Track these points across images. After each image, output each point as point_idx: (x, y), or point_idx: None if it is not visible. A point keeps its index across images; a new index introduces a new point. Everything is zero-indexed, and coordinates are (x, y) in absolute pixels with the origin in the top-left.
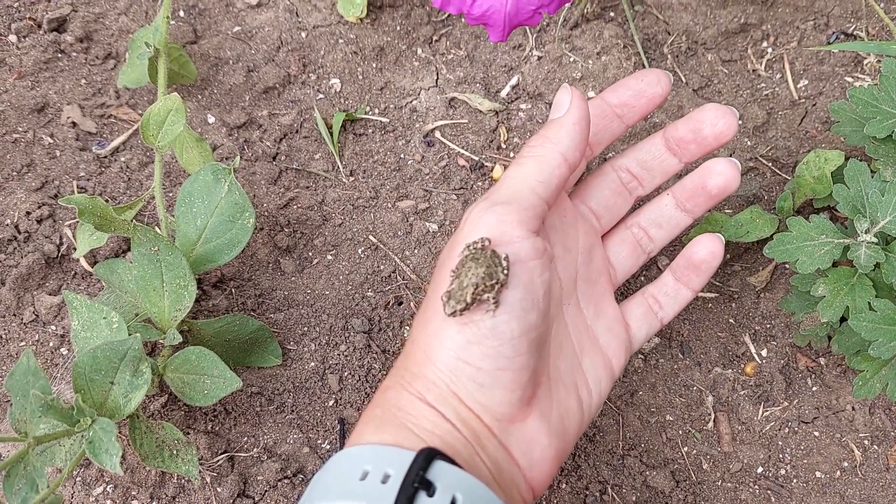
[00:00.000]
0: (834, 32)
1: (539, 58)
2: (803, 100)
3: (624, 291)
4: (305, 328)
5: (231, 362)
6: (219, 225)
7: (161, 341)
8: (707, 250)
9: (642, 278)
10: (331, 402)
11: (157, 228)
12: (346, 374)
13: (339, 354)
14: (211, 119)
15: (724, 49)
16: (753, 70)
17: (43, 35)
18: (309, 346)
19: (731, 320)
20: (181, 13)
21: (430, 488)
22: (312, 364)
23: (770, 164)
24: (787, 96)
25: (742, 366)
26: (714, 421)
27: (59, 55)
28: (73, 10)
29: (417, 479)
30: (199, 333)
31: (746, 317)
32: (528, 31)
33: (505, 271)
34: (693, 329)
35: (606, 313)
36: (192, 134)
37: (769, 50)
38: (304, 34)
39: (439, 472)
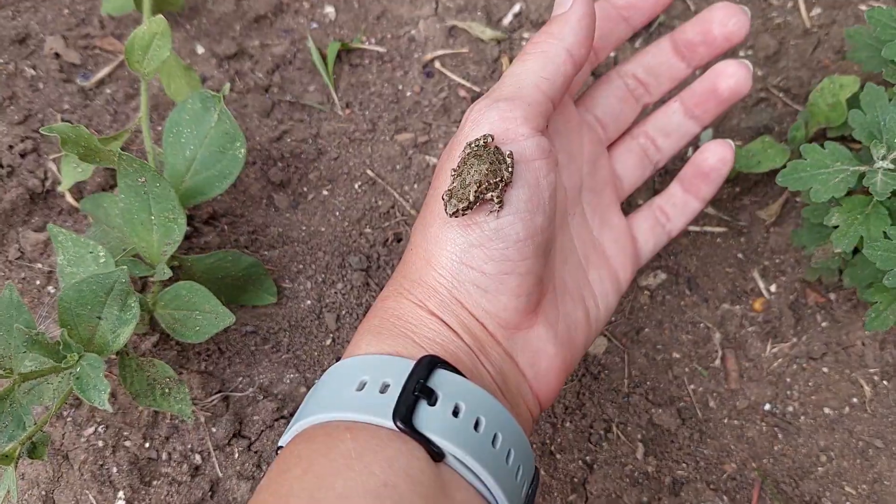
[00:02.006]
0: None
1: None
2: (816, 28)
3: (631, 204)
4: (301, 266)
5: (224, 300)
6: (209, 156)
7: (151, 278)
8: (717, 157)
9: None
10: (328, 342)
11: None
12: (343, 312)
13: (336, 293)
14: (200, 50)
15: None
16: None
17: None
18: (305, 284)
19: (739, 255)
20: None
21: (431, 396)
22: (308, 302)
23: (781, 95)
24: (800, 25)
25: (750, 302)
26: (721, 358)
27: None
28: None
29: (418, 388)
30: (189, 270)
31: (755, 252)
32: None
33: (510, 169)
34: (701, 265)
35: (612, 225)
36: (179, 62)
37: None
38: None
39: (441, 380)
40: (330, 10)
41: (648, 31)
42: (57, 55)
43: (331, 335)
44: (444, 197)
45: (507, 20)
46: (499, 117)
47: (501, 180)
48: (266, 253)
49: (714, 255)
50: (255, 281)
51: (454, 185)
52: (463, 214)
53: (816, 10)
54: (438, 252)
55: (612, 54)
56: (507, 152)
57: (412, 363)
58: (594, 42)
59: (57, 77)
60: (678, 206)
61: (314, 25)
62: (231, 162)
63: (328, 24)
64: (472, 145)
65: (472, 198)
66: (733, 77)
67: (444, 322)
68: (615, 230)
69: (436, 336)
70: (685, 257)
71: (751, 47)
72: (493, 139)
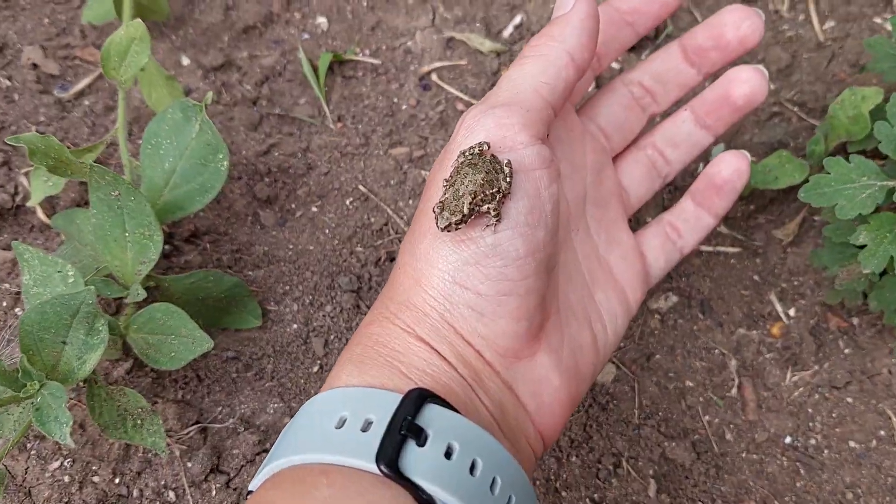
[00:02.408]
0: None
1: None
2: (829, 42)
3: (639, 221)
4: (287, 287)
5: (204, 323)
6: (189, 168)
7: (125, 299)
8: (731, 168)
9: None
10: (315, 368)
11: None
12: (331, 337)
13: (324, 316)
14: (185, 61)
15: None
16: (775, 11)
17: None
18: (291, 306)
19: (755, 277)
20: None
21: (420, 435)
22: (295, 326)
23: (796, 109)
24: (812, 38)
25: (768, 326)
26: (738, 387)
27: None
28: None
29: (405, 425)
30: (167, 291)
31: (772, 273)
32: None
33: (507, 178)
34: (714, 287)
35: (620, 241)
36: (161, 71)
37: None
38: None
39: (432, 416)
40: (322, 20)
41: (655, 44)
42: (34, 65)
43: (318, 361)
44: (435, 210)
45: (507, 32)
46: (495, 124)
47: (499, 191)
48: (250, 273)
49: (728, 277)
50: (237, 303)
51: (446, 196)
52: (456, 228)
53: (829, 24)
54: (429, 271)
55: (616, 65)
56: (505, 161)
57: (399, 397)
58: (597, 48)
59: (33, 88)
60: (690, 221)
61: (306, 36)
62: (213, 175)
63: (320, 34)
64: (467, 154)
65: (466, 210)
66: (748, 83)
67: (435, 350)
68: (623, 247)
69: (426, 366)
70: (698, 279)
71: (762, 60)
72: (489, 147)
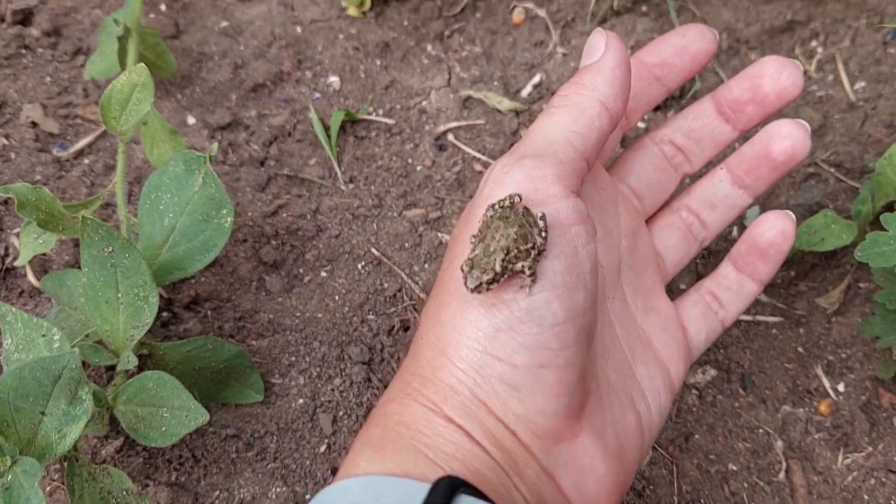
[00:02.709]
0: (889, 31)
1: (564, 55)
2: (861, 102)
3: (672, 289)
4: (293, 358)
5: (201, 397)
6: (190, 225)
7: (115, 368)
8: (776, 229)
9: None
10: (322, 448)
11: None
12: (340, 413)
13: (332, 390)
14: (191, 120)
15: (769, 48)
16: (804, 71)
17: (6, 28)
18: (297, 379)
19: (799, 349)
20: (162, 7)
21: None
22: (301, 401)
23: (832, 170)
24: (844, 99)
25: (815, 403)
26: (786, 471)
27: (23, 50)
28: (40, 2)
29: None
30: (161, 359)
31: (817, 345)
32: (550, 26)
33: (543, 233)
34: (756, 359)
35: (658, 310)
36: (164, 125)
37: (819, 49)
38: (299, 29)
39: None
40: (334, 79)
41: (680, 104)
42: (34, 124)
43: (326, 440)
44: (464, 268)
45: (525, 91)
46: (526, 176)
47: (534, 247)
48: (254, 343)
49: (770, 349)
50: (238, 374)
51: (475, 253)
52: (487, 289)
53: (860, 84)
54: (456, 339)
55: (641, 125)
56: (539, 214)
57: (426, 486)
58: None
59: (31, 147)
60: (732, 289)
61: (317, 95)
62: (216, 232)
63: (332, 93)
64: (496, 207)
65: (498, 268)
66: (789, 138)
67: (465, 431)
68: (662, 317)
69: (455, 450)
70: (737, 351)
71: None
72: (520, 199)
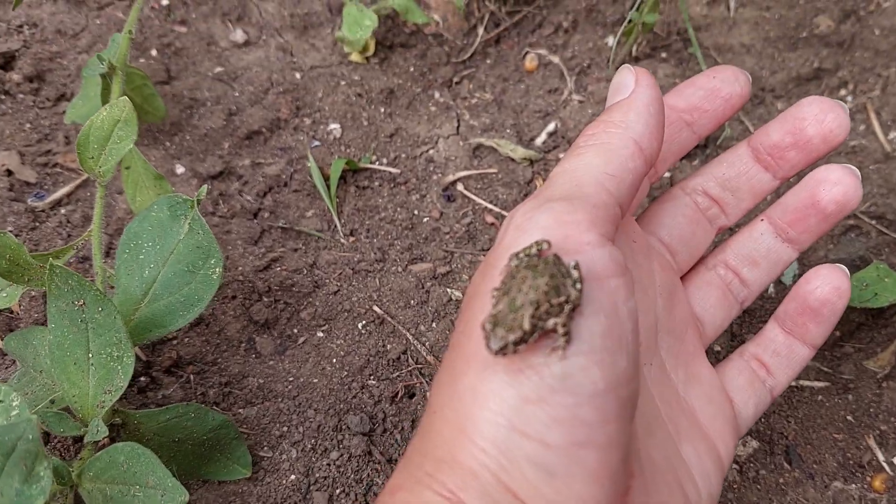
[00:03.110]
0: None
1: (580, 101)
2: None
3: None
4: (285, 428)
5: (181, 473)
6: (174, 276)
7: (84, 439)
8: (829, 286)
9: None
10: None
11: None
12: (337, 491)
13: (328, 465)
14: (180, 169)
15: (795, 97)
16: None
17: None
18: (289, 452)
19: (848, 417)
20: (153, 52)
21: None
22: (293, 477)
23: (874, 223)
24: (878, 149)
25: (868, 478)
26: None
27: (2, 96)
28: (24, 46)
29: None
30: (137, 429)
31: (867, 413)
32: (565, 72)
33: (577, 285)
34: (801, 429)
35: (701, 379)
36: (149, 169)
37: (849, 98)
38: (298, 75)
39: None
40: (335, 126)
41: (705, 153)
42: (9, 172)
43: None
44: (486, 326)
45: (540, 140)
46: (555, 220)
47: (567, 301)
48: (241, 411)
49: (816, 418)
50: (223, 447)
51: (499, 309)
52: (514, 351)
53: (894, 133)
54: (476, 413)
55: (667, 174)
56: (572, 264)
57: None
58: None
59: (5, 196)
60: (781, 354)
61: (316, 143)
62: (202, 284)
63: (332, 142)
64: (521, 256)
65: (527, 325)
66: (839, 185)
67: None
68: (706, 386)
69: None
70: (779, 419)
71: None
72: (549, 246)
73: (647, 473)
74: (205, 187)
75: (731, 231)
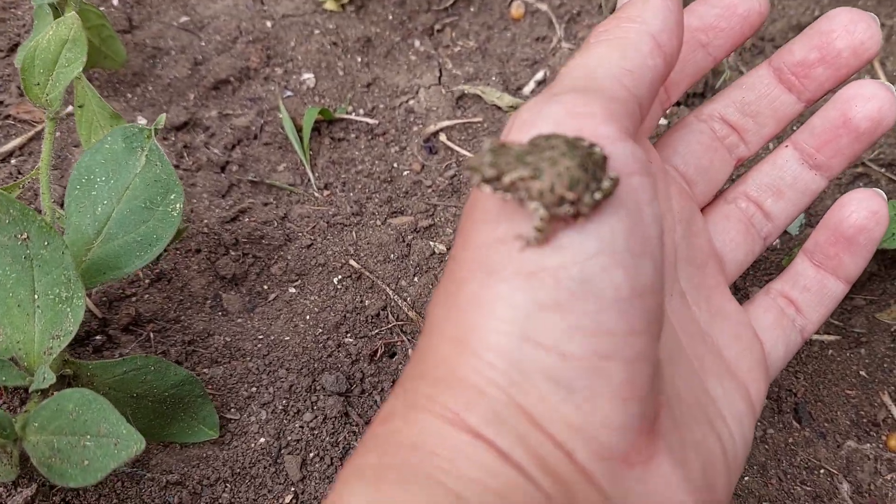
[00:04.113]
0: None
1: (571, 49)
2: None
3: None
4: (254, 388)
5: (141, 434)
6: (130, 213)
7: (30, 388)
8: (867, 210)
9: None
10: (288, 498)
11: None
12: (311, 454)
13: (301, 427)
14: (142, 121)
15: None
16: None
17: None
18: (258, 413)
19: (861, 373)
20: (115, 1)
21: None
22: (262, 440)
23: (883, 170)
24: None
25: (883, 437)
26: None
27: None
28: None
29: None
30: (90, 382)
31: (881, 368)
32: (554, 20)
33: (611, 178)
34: (811, 386)
35: (726, 314)
36: (104, 106)
37: None
38: (269, 23)
39: None
40: (308, 76)
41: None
42: None
43: (292, 488)
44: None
45: (528, 88)
46: (567, 112)
47: (599, 189)
48: (206, 371)
49: (828, 374)
50: (187, 406)
51: (524, 177)
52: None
53: None
54: (483, 323)
55: (663, 121)
56: (599, 150)
57: None
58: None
59: None
60: (812, 290)
61: (288, 94)
62: (161, 222)
63: (305, 92)
64: (538, 140)
65: (570, 197)
66: (874, 100)
67: (500, 450)
68: (732, 322)
69: (486, 476)
70: (788, 376)
71: None
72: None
73: (675, 406)
74: (163, 116)
75: (752, 162)
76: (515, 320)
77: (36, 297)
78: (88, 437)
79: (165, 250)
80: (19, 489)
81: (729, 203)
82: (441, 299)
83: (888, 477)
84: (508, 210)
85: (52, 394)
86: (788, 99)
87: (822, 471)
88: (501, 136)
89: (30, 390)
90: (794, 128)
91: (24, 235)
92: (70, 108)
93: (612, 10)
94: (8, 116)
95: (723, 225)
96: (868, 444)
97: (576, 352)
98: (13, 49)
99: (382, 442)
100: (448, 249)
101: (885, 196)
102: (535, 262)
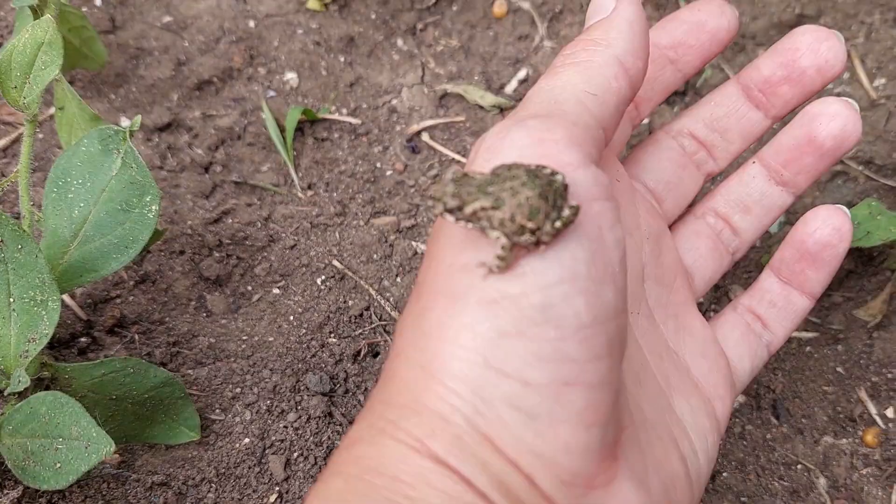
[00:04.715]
0: None
1: (553, 48)
2: (883, 100)
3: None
4: (238, 389)
5: (120, 435)
6: (106, 216)
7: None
8: (829, 226)
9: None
10: (272, 498)
11: None
12: (295, 454)
13: (286, 427)
14: (125, 122)
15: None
16: None
17: None
18: (242, 414)
19: (838, 369)
20: (97, 1)
21: None
22: (247, 440)
23: (861, 168)
24: (864, 96)
25: (860, 433)
26: None
27: None
28: None
29: None
30: (68, 384)
31: (858, 364)
32: (536, 19)
33: (572, 207)
34: (789, 382)
35: (693, 331)
36: (84, 108)
37: None
38: (252, 23)
39: None
40: (291, 76)
41: (684, 101)
42: None
43: (277, 488)
44: (435, 194)
45: (510, 87)
46: (531, 139)
47: (559, 218)
48: (190, 372)
49: (805, 370)
50: (168, 408)
51: (483, 206)
52: (466, 219)
53: (880, 80)
54: (446, 350)
55: (646, 121)
56: (559, 177)
57: None
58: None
59: None
60: (777, 305)
61: (271, 94)
62: (137, 224)
63: (289, 92)
64: (499, 169)
65: (531, 226)
66: (838, 118)
67: (463, 476)
68: (699, 339)
69: (450, 502)
70: (766, 372)
71: None
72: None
73: (639, 427)
74: (139, 117)
75: (720, 178)
76: (478, 348)
77: (11, 300)
78: (61, 439)
79: (148, 252)
80: (6, 491)
81: (698, 219)
82: (408, 323)
83: (864, 472)
84: (472, 237)
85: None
86: (756, 116)
87: (799, 466)
88: (466, 163)
89: (5, 393)
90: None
91: None
92: (52, 110)
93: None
94: None
95: (692, 241)
96: (845, 440)
97: (538, 379)
98: None
99: (348, 466)
100: None
101: (848, 212)
102: (498, 290)
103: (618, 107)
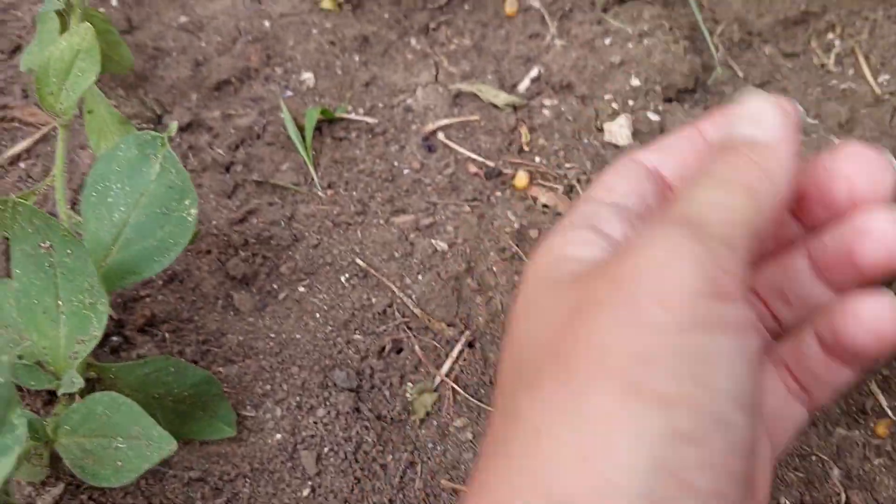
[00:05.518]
0: None
1: (564, 46)
2: (888, 96)
3: None
4: (268, 386)
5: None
6: (146, 220)
7: (57, 394)
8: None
9: None
10: (305, 492)
11: None
12: (325, 449)
13: (315, 422)
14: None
15: (783, 41)
16: (822, 65)
17: None
18: (273, 410)
19: None
20: (114, 1)
21: None
22: (279, 436)
23: None
24: (868, 92)
25: (871, 425)
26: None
27: None
28: None
29: None
30: (113, 384)
31: None
32: (546, 17)
33: None
34: None
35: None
36: (113, 113)
37: (837, 42)
38: (267, 23)
39: None
40: (308, 76)
41: (693, 98)
42: None
43: (309, 482)
44: None
45: (523, 85)
46: (712, 264)
47: None
48: (221, 370)
49: None
50: (205, 405)
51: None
52: None
53: (884, 76)
54: (615, 441)
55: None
56: None
57: None
58: None
59: None
60: (819, 375)
61: (289, 93)
62: (177, 227)
63: (305, 91)
64: None
65: None
66: (883, 241)
67: None
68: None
69: None
70: None
71: (817, 116)
72: None
73: None
74: (175, 123)
75: None
76: (652, 447)
77: (60, 303)
78: (120, 438)
79: None
80: (48, 488)
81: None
82: (552, 400)
83: (876, 462)
84: None
85: (78, 398)
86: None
87: (813, 457)
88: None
89: (58, 394)
90: None
91: (48, 245)
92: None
93: (604, 9)
94: (13, 119)
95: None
96: (857, 431)
97: (703, 487)
98: (15, 51)
99: None
100: (448, 247)
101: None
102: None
103: (759, 247)
